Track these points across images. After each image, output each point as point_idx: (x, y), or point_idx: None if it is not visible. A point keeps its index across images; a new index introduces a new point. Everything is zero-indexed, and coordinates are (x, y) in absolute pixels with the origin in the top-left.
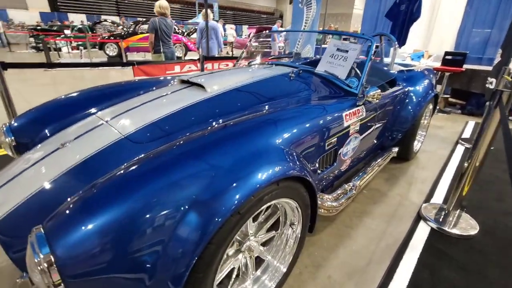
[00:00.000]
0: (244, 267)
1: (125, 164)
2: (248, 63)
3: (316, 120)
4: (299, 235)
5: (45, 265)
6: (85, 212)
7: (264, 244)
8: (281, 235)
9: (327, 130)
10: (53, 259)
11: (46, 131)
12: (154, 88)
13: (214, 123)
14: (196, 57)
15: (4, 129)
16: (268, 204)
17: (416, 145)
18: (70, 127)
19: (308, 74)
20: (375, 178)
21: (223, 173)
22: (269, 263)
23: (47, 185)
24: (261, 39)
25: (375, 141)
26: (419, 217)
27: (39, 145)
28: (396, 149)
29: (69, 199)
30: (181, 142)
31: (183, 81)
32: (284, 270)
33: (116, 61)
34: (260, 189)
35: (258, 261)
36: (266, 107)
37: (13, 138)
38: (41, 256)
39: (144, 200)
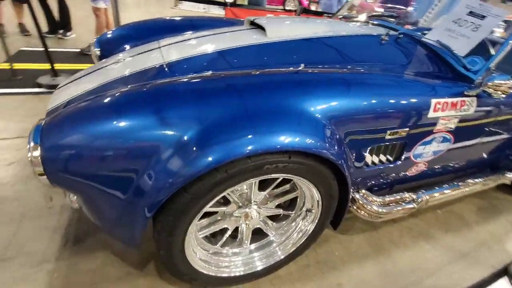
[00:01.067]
0: (241, 233)
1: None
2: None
3: (378, 96)
4: (311, 228)
5: (32, 154)
6: (81, 117)
7: (274, 219)
8: (293, 219)
9: (393, 114)
10: (39, 151)
11: (125, 46)
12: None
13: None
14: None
15: (95, 41)
16: (276, 176)
17: None
18: (137, 47)
19: (410, 41)
20: (463, 201)
21: (227, 121)
22: (270, 242)
23: (89, 88)
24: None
25: (484, 155)
26: (504, 272)
27: (108, 58)
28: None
29: (76, 103)
30: (207, 76)
31: (251, 22)
32: (282, 257)
33: None
34: (259, 153)
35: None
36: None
37: (99, 49)
38: (31, 145)
39: (138, 120)
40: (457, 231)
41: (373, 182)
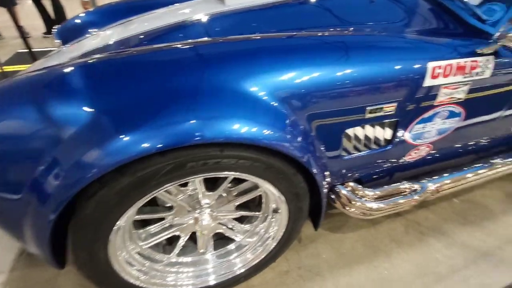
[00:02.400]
0: (198, 240)
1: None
2: None
3: (348, 62)
4: (281, 231)
5: None
6: None
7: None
8: (261, 220)
9: (371, 85)
10: None
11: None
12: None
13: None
14: None
15: (55, 32)
16: (209, 175)
17: None
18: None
19: None
20: (487, 186)
21: (132, 107)
22: (239, 246)
23: None
24: None
25: (511, 130)
26: None
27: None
28: None
29: None
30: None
31: None
32: (249, 267)
33: None
34: (173, 148)
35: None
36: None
37: (60, 41)
38: None
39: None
40: (477, 224)
41: (361, 172)
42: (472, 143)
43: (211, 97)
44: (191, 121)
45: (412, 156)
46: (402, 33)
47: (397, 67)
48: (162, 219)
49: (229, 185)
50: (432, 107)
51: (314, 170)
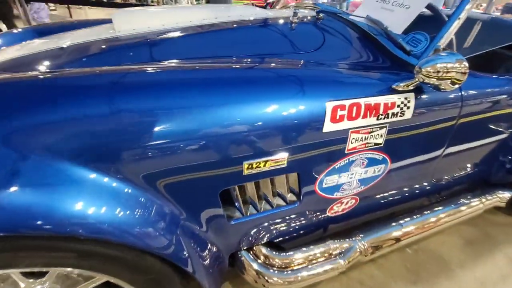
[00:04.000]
0: None
1: None
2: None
3: (213, 103)
4: None
5: None
6: None
7: None
8: None
9: (243, 134)
10: None
11: None
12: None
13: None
14: None
15: None
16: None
17: None
18: None
19: (334, 21)
20: (444, 231)
21: None
22: None
23: None
24: None
25: (458, 171)
26: None
27: None
28: (507, 194)
29: None
30: None
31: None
32: None
33: None
34: None
35: None
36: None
37: None
38: None
39: None
40: (431, 283)
41: (272, 233)
42: (415, 187)
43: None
44: None
45: (336, 211)
46: (305, 65)
47: (284, 108)
48: None
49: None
50: (343, 155)
51: (189, 268)
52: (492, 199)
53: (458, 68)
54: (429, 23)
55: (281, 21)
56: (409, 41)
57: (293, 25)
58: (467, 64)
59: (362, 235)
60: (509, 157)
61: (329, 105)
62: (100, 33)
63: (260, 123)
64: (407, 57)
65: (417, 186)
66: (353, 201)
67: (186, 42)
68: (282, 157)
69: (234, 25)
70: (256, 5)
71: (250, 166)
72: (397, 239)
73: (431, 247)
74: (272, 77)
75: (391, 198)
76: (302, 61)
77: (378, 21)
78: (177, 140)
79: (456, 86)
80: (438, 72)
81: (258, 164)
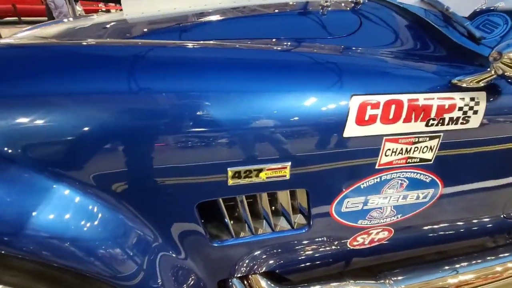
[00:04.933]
0: None
1: None
2: None
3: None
4: None
5: None
6: None
7: None
8: None
9: (237, 132)
10: None
11: None
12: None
13: None
14: None
15: None
16: None
17: None
18: None
19: (376, 5)
20: None
21: None
22: None
23: None
24: None
25: None
26: None
27: None
28: None
29: None
30: None
31: None
32: None
33: None
34: None
35: None
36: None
37: None
38: None
39: None
40: None
41: (265, 260)
42: (475, 222)
43: None
44: None
45: (360, 243)
46: (328, 49)
47: (287, 100)
48: None
49: None
50: (373, 171)
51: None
52: None
53: None
54: None
55: (308, 4)
56: (480, 25)
57: (324, 9)
58: None
59: (394, 279)
60: None
61: (355, 100)
62: (111, 17)
63: (252, 118)
64: (477, 47)
65: (479, 221)
66: (386, 233)
67: (200, 27)
68: (282, 166)
69: (252, 11)
70: None
71: (236, 175)
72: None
73: None
74: (274, 61)
75: (440, 234)
76: (325, 45)
77: (436, 1)
78: (135, 141)
79: None
80: None
81: (248, 173)
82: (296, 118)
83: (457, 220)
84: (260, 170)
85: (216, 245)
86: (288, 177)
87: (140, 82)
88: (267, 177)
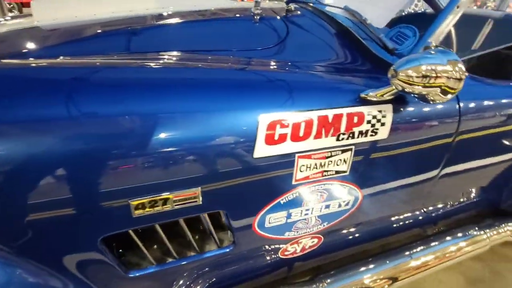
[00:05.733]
0: None
1: None
2: None
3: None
4: None
5: None
6: None
7: None
8: None
9: (142, 159)
10: None
11: None
12: None
13: None
14: None
15: None
16: None
17: None
18: None
19: (304, 13)
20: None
21: None
22: None
23: None
24: None
25: (458, 196)
26: None
27: None
28: None
29: None
30: None
31: None
32: None
33: None
34: None
35: None
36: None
37: None
38: None
39: None
40: None
41: (196, 282)
42: (400, 218)
43: None
44: None
45: (292, 252)
46: (239, 63)
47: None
48: None
49: None
50: (290, 187)
51: None
52: (501, 233)
53: (451, 72)
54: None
55: (237, 13)
56: (393, 36)
57: (255, 17)
58: (463, 67)
59: (329, 280)
60: None
61: (263, 120)
62: (21, 23)
63: (152, 143)
64: (390, 57)
65: (404, 217)
66: (316, 240)
67: (114, 36)
68: (192, 192)
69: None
70: None
71: (140, 206)
72: (377, 283)
73: (425, 286)
74: (177, 80)
75: (369, 232)
76: (238, 58)
77: (356, 12)
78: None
79: (449, 96)
80: (424, 77)
81: (153, 203)
82: (203, 141)
83: (385, 218)
84: (167, 199)
85: (132, 275)
86: (200, 202)
87: None
88: (176, 205)
